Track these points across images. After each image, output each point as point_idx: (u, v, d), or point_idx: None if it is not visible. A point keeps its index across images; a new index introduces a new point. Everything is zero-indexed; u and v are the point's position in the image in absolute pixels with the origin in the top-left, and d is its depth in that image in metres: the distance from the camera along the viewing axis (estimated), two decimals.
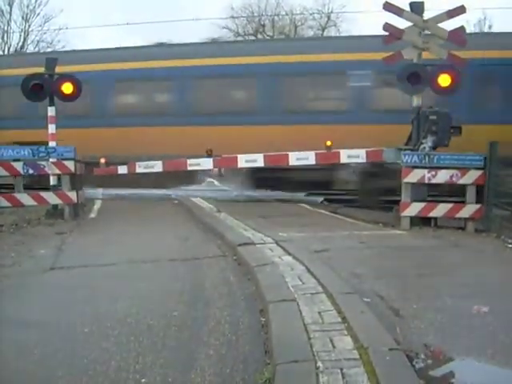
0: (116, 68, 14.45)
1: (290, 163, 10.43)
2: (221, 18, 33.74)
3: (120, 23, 44.50)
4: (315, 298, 4.48)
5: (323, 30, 34.88)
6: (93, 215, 10.77)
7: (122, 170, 11.25)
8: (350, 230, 8.54)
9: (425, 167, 8.78)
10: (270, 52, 14.13)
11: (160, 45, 15.93)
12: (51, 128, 10.08)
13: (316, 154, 10.34)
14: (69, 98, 10.03)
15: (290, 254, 6.25)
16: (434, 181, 8.81)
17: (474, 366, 3.57)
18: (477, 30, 28.48)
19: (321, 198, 14.09)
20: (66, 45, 31.23)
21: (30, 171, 9.68)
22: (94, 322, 4.25)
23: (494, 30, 28.44)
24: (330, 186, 13.75)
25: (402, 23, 9.38)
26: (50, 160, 9.76)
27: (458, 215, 8.76)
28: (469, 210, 8.67)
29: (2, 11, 33.75)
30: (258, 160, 10.63)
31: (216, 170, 13.39)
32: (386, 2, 9.26)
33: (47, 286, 5.44)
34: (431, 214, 8.82)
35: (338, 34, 32.26)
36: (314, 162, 10.35)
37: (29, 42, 34.68)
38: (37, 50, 32.79)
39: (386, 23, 9.24)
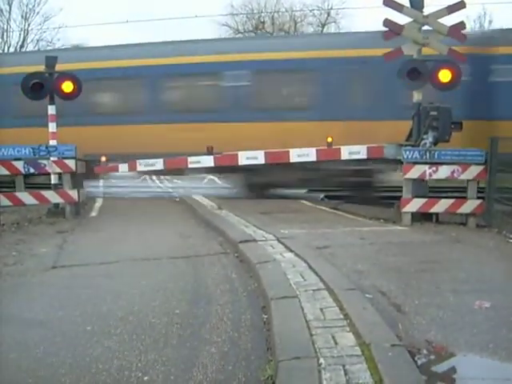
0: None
1: (291, 160, 10.43)
2: (221, 15, 33.82)
3: (120, 22, 44.44)
4: (317, 294, 4.48)
5: (323, 27, 34.89)
6: (94, 213, 10.75)
7: (123, 168, 11.24)
8: (351, 226, 8.53)
9: (426, 163, 8.77)
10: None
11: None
12: (52, 126, 10.06)
13: (317, 151, 10.35)
14: (69, 97, 10.01)
15: (291, 250, 6.25)
16: (434, 176, 8.80)
17: (476, 361, 3.58)
18: (477, 26, 28.45)
19: (321, 195, 14.08)
20: (66, 43, 31.27)
21: (31, 170, 9.67)
22: (96, 320, 4.26)
23: (494, 25, 28.38)
24: None
25: (402, 19, 9.36)
26: (51, 159, 9.76)
27: (459, 211, 8.75)
28: (470, 205, 8.66)
29: (2, 10, 33.92)
30: (258, 157, 10.64)
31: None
32: None
33: (49, 285, 5.43)
34: (432, 210, 8.81)
35: (338, 31, 32.25)
36: (314, 159, 10.33)
37: (28, 40, 34.78)
38: (37, 48, 32.84)
39: (386, 19, 9.22)
